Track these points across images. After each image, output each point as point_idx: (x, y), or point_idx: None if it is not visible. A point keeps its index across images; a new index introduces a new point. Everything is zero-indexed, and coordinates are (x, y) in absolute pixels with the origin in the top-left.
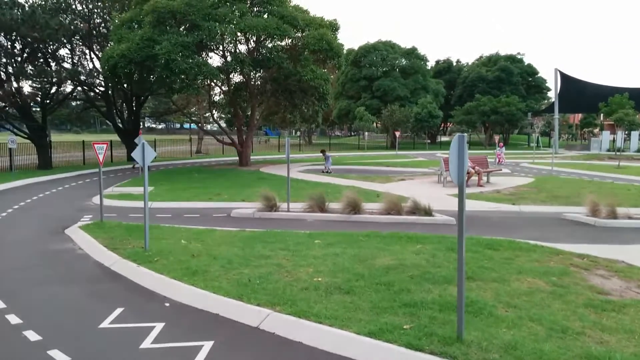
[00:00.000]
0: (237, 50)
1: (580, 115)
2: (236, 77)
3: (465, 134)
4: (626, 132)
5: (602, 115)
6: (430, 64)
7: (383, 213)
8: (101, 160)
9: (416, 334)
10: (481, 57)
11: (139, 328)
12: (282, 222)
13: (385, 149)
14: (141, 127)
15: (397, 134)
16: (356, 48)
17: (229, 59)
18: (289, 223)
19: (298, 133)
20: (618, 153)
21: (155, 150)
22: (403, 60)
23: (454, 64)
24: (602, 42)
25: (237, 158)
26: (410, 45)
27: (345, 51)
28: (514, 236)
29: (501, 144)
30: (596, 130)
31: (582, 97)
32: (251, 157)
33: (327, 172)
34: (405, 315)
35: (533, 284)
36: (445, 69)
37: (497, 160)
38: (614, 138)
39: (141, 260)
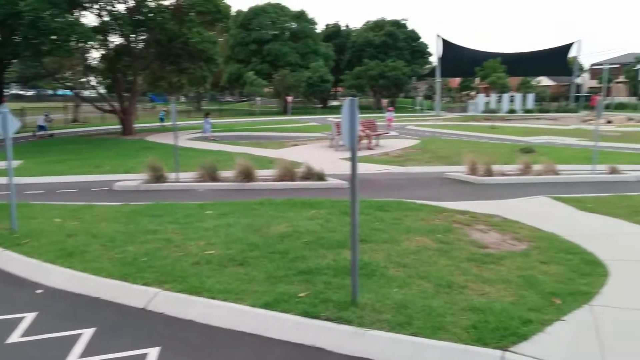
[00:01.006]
0: (115, 8)
1: (459, 79)
2: (116, 40)
3: (356, 98)
4: (498, 95)
5: (478, 79)
6: (320, 27)
7: (277, 180)
8: None
9: (312, 301)
10: (368, 22)
11: (5, 321)
12: (170, 194)
13: (278, 114)
14: (6, 94)
15: (289, 98)
16: (245, 10)
17: (105, 18)
18: (178, 194)
19: (184, 99)
20: (491, 114)
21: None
22: (293, 23)
23: (343, 28)
24: (479, 6)
25: (120, 127)
26: (299, 8)
27: (233, 13)
28: (402, 197)
29: (390, 107)
30: (473, 93)
31: (461, 62)
32: (135, 125)
33: (213, 139)
34: (301, 283)
35: (421, 243)
36: (335, 33)
37: (388, 123)
38: (488, 100)
39: (8, 243)
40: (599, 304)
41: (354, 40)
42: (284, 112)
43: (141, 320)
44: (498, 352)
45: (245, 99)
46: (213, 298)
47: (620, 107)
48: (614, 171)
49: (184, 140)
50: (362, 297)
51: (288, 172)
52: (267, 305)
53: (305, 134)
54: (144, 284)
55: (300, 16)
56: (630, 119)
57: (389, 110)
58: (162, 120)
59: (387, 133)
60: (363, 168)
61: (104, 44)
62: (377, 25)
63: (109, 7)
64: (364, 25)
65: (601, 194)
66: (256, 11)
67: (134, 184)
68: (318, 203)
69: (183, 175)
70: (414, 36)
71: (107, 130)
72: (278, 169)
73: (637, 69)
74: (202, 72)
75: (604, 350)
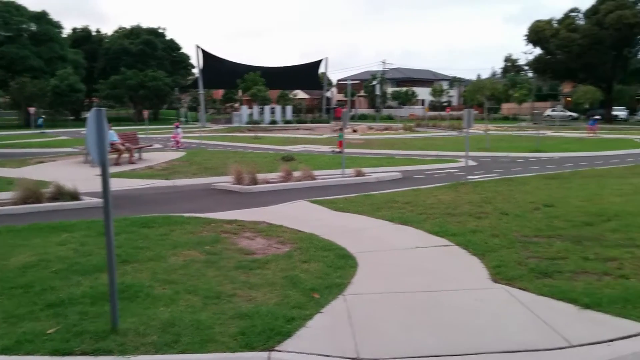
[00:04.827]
0: None
1: (222, 90)
2: None
3: (104, 108)
4: (260, 107)
5: (240, 91)
6: (67, 32)
7: (18, 203)
8: None
9: (63, 336)
10: (122, 28)
11: None
12: None
13: (19, 128)
14: None
15: (32, 110)
16: None
17: None
18: None
19: None
20: (255, 125)
21: None
22: (32, 25)
23: (94, 33)
24: (238, 20)
25: None
26: (40, 9)
27: None
28: (169, 211)
29: (177, 123)
30: (237, 105)
31: (222, 74)
32: None
33: None
34: (50, 318)
35: (188, 256)
36: (84, 38)
37: (176, 143)
38: (251, 112)
39: None
40: (350, 293)
41: (108, 47)
42: (26, 125)
43: None
44: (265, 354)
45: None
46: None
47: (363, 117)
48: (359, 174)
49: None
50: (125, 322)
51: (33, 194)
52: (6, 350)
53: (53, 149)
54: None
55: (41, 17)
56: (371, 128)
57: (176, 126)
58: (40, 126)
59: (150, 145)
60: (125, 184)
61: None
62: (133, 33)
63: None
64: (117, 32)
65: (350, 195)
66: None
67: None
68: (71, 225)
69: None
70: (173, 46)
71: None
72: (19, 190)
73: (374, 85)
74: None
75: (355, 333)
